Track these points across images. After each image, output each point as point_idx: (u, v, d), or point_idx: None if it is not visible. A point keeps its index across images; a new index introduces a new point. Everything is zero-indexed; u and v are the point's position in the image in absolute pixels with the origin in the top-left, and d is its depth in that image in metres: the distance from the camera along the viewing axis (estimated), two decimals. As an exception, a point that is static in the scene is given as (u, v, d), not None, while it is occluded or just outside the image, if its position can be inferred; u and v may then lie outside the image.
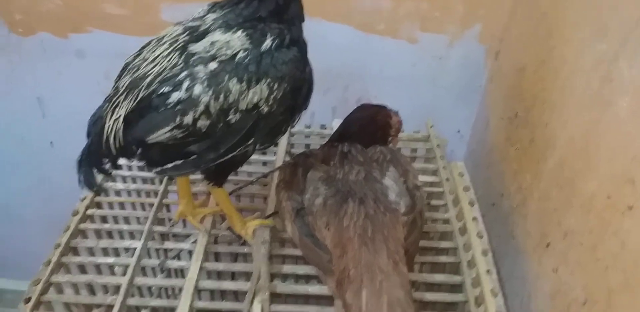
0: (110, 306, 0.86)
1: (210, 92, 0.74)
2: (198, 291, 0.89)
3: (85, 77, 1.37)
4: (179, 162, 0.80)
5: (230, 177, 1.15)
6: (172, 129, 0.76)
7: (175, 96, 0.74)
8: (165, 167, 0.81)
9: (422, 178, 1.13)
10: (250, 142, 0.79)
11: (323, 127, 1.30)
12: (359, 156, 0.95)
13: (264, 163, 1.22)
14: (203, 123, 0.75)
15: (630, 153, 0.68)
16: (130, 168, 1.16)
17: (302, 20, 0.81)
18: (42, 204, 1.63)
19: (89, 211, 1.04)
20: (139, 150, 0.81)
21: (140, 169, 1.16)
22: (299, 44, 0.79)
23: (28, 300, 0.85)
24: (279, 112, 0.78)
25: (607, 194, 0.71)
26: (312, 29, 0.82)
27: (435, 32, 1.26)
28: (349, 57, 1.31)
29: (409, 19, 1.24)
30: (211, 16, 0.79)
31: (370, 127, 1.03)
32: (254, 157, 1.20)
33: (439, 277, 0.90)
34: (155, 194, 1.10)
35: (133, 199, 1.13)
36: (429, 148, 1.23)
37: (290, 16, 0.79)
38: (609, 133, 0.74)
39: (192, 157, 0.79)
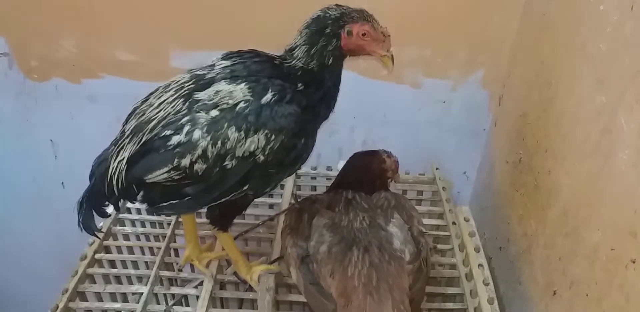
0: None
1: (208, 138, 0.76)
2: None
3: (96, 121, 1.40)
4: (174, 201, 0.83)
5: (237, 221, 1.16)
6: (169, 170, 0.78)
7: (175, 139, 0.77)
8: (161, 205, 0.84)
9: (428, 221, 1.14)
10: (244, 188, 0.82)
11: (329, 168, 1.32)
12: (363, 203, 0.96)
13: (271, 206, 1.24)
14: (200, 166, 0.78)
15: (632, 206, 0.68)
16: (139, 211, 1.17)
17: (324, 90, 0.84)
18: (54, 243, 1.65)
19: (97, 255, 1.05)
20: (140, 192, 0.83)
21: (149, 213, 1.17)
22: (308, 108, 0.81)
23: (35, 348, 0.85)
24: (274, 162, 0.80)
25: (610, 246, 0.71)
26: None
27: (439, 78, 1.29)
28: (354, 101, 1.33)
29: (412, 65, 1.27)
30: (223, 63, 0.83)
31: (367, 177, 1.04)
32: (260, 200, 1.23)
33: (446, 325, 0.90)
34: (164, 237, 1.11)
35: (141, 243, 1.14)
36: (435, 191, 1.24)
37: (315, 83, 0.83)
38: (610, 184, 0.75)
39: (187, 198, 0.82)
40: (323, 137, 1.41)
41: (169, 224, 1.14)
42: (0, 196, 1.61)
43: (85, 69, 1.37)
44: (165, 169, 0.79)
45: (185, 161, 0.78)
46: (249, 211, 1.21)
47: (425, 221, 1.10)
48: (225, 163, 0.78)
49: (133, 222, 1.16)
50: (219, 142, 0.77)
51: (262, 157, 0.78)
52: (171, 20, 1.28)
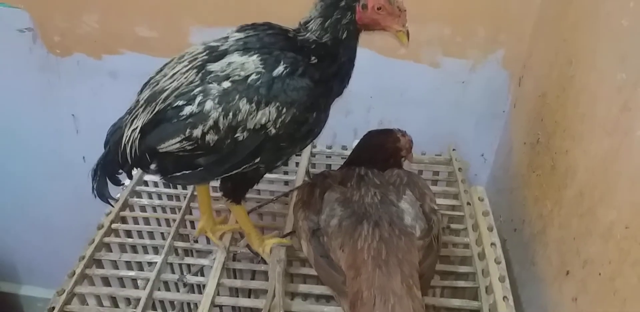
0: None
1: (220, 109, 0.77)
2: (216, 307, 0.91)
3: (117, 96, 1.39)
4: (186, 171, 0.84)
5: (252, 196, 1.18)
6: (181, 140, 0.79)
7: (187, 110, 0.78)
8: (174, 175, 0.85)
9: (444, 201, 1.13)
10: (256, 161, 0.82)
11: (344, 148, 1.32)
12: (375, 179, 0.96)
13: (286, 182, 1.24)
14: (211, 137, 0.78)
15: (648, 183, 0.67)
16: (156, 184, 1.19)
17: (338, 65, 0.82)
18: (75, 216, 1.68)
19: (114, 225, 1.07)
20: (153, 161, 0.85)
21: (166, 185, 1.19)
22: (321, 83, 0.81)
23: (52, 309, 0.88)
24: (285, 136, 0.80)
25: (625, 224, 0.70)
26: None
27: (458, 57, 1.27)
28: (371, 80, 1.33)
29: (431, 44, 1.25)
30: (236, 36, 0.83)
31: (380, 155, 1.04)
32: (275, 176, 1.24)
33: (456, 302, 0.90)
34: (179, 210, 1.13)
35: (157, 215, 1.16)
36: (451, 171, 1.24)
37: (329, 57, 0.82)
38: (628, 161, 0.73)
39: (199, 169, 0.83)
40: (339, 117, 1.42)
41: (184, 197, 1.16)
42: (22, 169, 1.65)
43: (106, 44, 1.38)
44: (178, 139, 0.80)
45: (197, 132, 0.78)
46: (264, 187, 1.22)
47: (440, 201, 1.10)
48: (237, 135, 0.78)
49: (150, 195, 1.18)
50: (231, 114, 0.77)
51: (273, 130, 0.79)
52: (191, -4, 1.28)
